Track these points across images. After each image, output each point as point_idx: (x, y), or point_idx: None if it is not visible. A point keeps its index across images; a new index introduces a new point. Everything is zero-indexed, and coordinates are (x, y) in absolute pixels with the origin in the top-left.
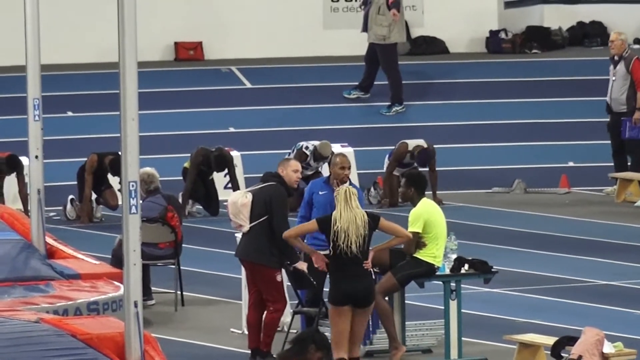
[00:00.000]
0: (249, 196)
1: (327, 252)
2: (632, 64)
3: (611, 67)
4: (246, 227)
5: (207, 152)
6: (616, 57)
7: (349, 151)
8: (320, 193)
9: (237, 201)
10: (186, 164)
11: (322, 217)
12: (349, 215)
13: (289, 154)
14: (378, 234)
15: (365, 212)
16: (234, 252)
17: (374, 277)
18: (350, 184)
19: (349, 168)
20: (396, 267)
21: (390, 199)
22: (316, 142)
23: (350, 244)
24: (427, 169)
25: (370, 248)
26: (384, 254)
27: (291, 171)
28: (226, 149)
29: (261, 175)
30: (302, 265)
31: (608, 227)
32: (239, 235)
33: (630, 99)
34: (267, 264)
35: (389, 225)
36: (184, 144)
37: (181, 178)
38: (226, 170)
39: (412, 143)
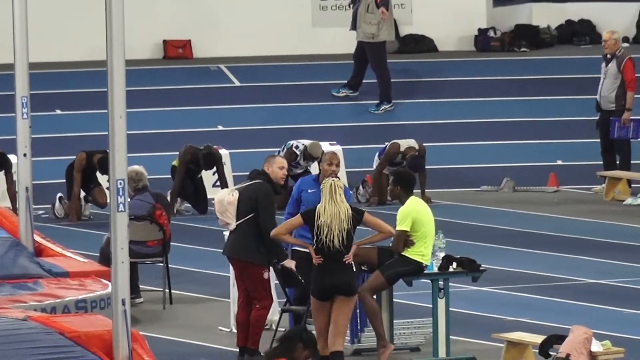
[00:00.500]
0: (236, 194)
1: None
2: (624, 63)
3: (602, 65)
4: (233, 224)
5: (196, 151)
6: (608, 56)
7: (337, 149)
8: (309, 191)
9: (224, 199)
10: (175, 162)
11: (306, 210)
12: (333, 209)
13: (279, 152)
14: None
15: (350, 206)
16: (221, 251)
17: (361, 274)
18: None
19: (338, 165)
20: (384, 265)
21: (379, 197)
22: (306, 142)
23: (333, 238)
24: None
25: (353, 243)
26: (371, 252)
27: (277, 168)
28: (215, 147)
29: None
30: (290, 263)
31: (596, 226)
32: (227, 234)
33: (619, 98)
34: (255, 262)
35: (373, 221)
36: (173, 142)
37: (170, 176)
38: (215, 169)
39: (403, 143)
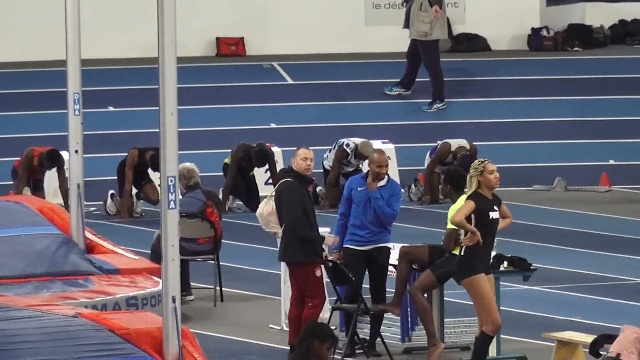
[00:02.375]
0: (272, 202)
1: (366, 247)
2: None
3: None
4: (279, 231)
5: (248, 148)
6: None
7: (389, 148)
8: (359, 189)
9: (263, 212)
10: (227, 160)
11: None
12: None
13: (330, 150)
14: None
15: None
16: (273, 248)
17: (412, 273)
18: (390, 180)
19: (387, 166)
20: (435, 263)
21: (431, 195)
22: (357, 140)
23: None
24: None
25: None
26: (422, 250)
27: (300, 160)
28: (267, 144)
29: None
30: (330, 256)
31: None
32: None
33: None
34: (303, 260)
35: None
36: (225, 139)
37: (222, 174)
38: (267, 166)
39: (454, 143)
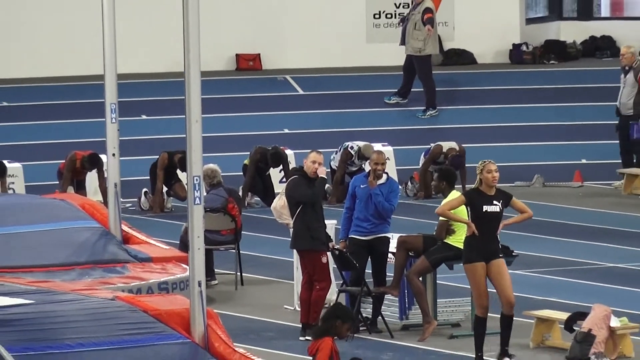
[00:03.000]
0: (284, 197)
1: (368, 237)
2: None
3: (622, 75)
4: (290, 222)
5: (265, 151)
6: (626, 67)
7: (388, 149)
8: (361, 186)
9: (276, 205)
10: (246, 161)
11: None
12: None
13: (336, 152)
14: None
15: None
16: (287, 238)
17: (408, 259)
18: (389, 178)
19: (383, 164)
20: (429, 251)
21: (425, 191)
22: (360, 143)
23: None
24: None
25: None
26: (417, 240)
27: (309, 162)
28: (281, 147)
29: None
30: (338, 245)
31: (616, 217)
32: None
33: (637, 104)
34: (312, 248)
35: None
36: (244, 143)
37: (241, 173)
38: (281, 167)
39: (445, 145)
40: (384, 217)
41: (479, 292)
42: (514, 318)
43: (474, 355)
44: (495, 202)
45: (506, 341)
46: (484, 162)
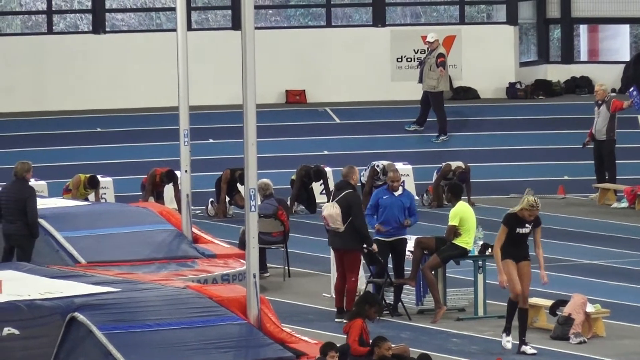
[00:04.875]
0: (337, 206)
1: (390, 239)
2: (611, 103)
3: (595, 108)
4: (342, 228)
5: (308, 168)
6: (599, 102)
7: (408, 168)
8: (384, 197)
9: (332, 213)
10: (293, 177)
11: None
12: None
13: (365, 169)
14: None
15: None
16: (324, 239)
17: (423, 257)
18: (404, 191)
19: (398, 181)
20: (440, 250)
21: (437, 202)
22: (385, 162)
23: None
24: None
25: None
26: (431, 241)
27: (356, 176)
28: (322, 165)
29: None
30: (374, 247)
31: (592, 222)
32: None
33: (609, 130)
34: (355, 249)
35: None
36: (291, 162)
37: (289, 186)
38: (321, 181)
39: (453, 164)
40: (404, 224)
41: (511, 281)
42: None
43: (476, 334)
44: (527, 225)
45: (523, 332)
46: (529, 199)
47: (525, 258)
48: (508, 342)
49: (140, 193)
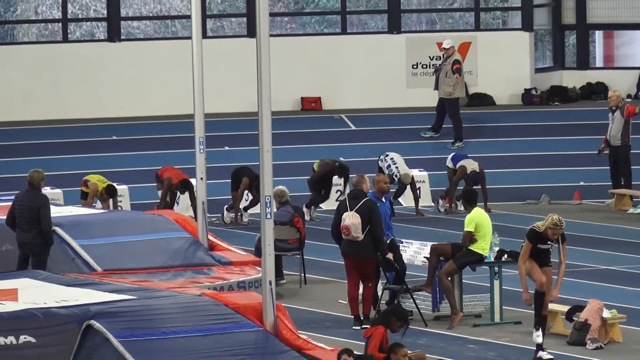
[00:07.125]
0: (357, 216)
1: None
2: (625, 108)
3: (610, 114)
4: (361, 236)
5: (333, 166)
6: (613, 107)
7: (424, 174)
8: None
9: (355, 222)
10: (315, 166)
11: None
12: None
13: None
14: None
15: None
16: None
17: (439, 263)
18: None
19: (387, 182)
20: (456, 256)
21: (452, 207)
22: (401, 171)
23: None
24: (478, 186)
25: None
26: (447, 247)
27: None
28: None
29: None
30: (390, 255)
31: (608, 228)
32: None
33: (624, 136)
34: (372, 257)
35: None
36: (307, 169)
37: (304, 193)
38: (343, 178)
39: (469, 167)
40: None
41: (534, 273)
42: (525, 310)
43: (493, 340)
44: (548, 242)
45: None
46: (553, 218)
47: (546, 264)
48: (538, 336)
49: (156, 201)
